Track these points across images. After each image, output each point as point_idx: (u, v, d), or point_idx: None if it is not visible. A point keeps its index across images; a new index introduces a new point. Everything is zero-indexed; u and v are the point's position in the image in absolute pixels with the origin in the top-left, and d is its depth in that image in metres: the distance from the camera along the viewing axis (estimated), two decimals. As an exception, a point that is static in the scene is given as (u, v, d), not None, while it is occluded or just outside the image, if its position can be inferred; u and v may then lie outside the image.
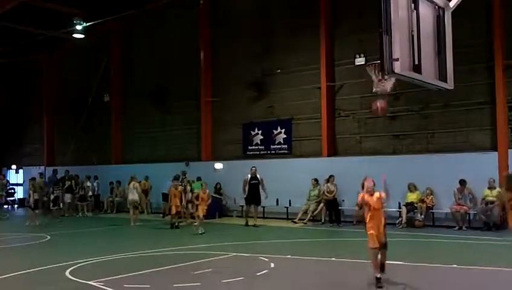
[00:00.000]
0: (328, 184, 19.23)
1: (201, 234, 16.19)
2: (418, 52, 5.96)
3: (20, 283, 9.89)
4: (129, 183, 20.72)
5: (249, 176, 19.20)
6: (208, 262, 11.53)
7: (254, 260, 11.57)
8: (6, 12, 23.77)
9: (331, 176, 19.28)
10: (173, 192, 18.62)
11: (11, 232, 18.48)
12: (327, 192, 19.14)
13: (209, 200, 17.34)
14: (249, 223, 18.94)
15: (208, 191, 17.38)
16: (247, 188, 19.13)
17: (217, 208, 22.23)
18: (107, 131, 28.88)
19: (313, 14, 20.99)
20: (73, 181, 25.70)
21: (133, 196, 20.24)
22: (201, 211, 16.61)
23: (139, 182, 21.46)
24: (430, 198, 17.59)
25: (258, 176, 19.13)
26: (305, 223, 19.25)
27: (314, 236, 16.99)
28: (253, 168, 19.30)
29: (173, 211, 18.48)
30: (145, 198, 22.71)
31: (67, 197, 25.31)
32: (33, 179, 22.95)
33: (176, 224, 18.55)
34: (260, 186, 19.12)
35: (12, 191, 32.12)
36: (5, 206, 30.22)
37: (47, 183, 27.13)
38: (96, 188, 26.80)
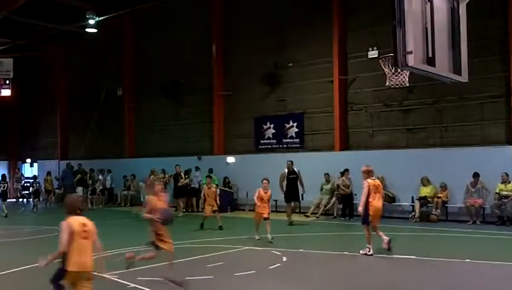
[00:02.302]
0: (343, 178, 19.03)
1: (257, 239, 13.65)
2: (432, 44, 5.90)
3: (31, 275, 9.96)
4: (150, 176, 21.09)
5: (286, 170, 17.62)
6: (221, 256, 11.56)
7: (266, 254, 11.58)
8: (20, 6, 23.90)
9: (346, 170, 19.02)
10: (206, 192, 16.94)
11: (23, 225, 18.63)
12: (343, 186, 18.94)
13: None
14: (292, 220, 17.49)
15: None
16: (284, 184, 17.58)
17: (229, 202, 22.29)
18: (120, 125, 29.03)
19: (326, 7, 20.87)
20: (87, 175, 25.97)
21: None
22: (264, 210, 13.67)
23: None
24: (445, 193, 17.47)
25: (295, 169, 17.68)
26: (317, 217, 19.23)
27: (327, 230, 16.96)
28: (289, 162, 17.75)
29: (208, 212, 16.65)
30: None
31: (79, 191, 25.61)
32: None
33: (220, 224, 16.55)
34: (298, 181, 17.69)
35: (28, 184, 32.36)
36: (21, 200, 30.56)
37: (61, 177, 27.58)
38: (109, 182, 27.03)
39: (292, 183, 17.65)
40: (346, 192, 18.85)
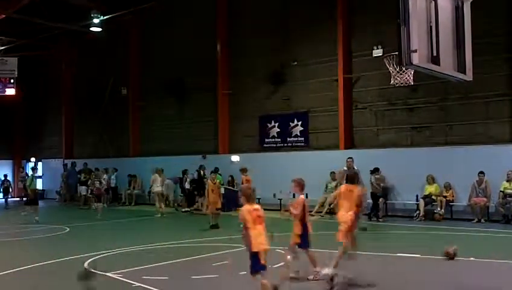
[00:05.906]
0: (377, 176, 18.15)
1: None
2: (437, 43, 5.90)
3: (37, 274, 10.02)
4: (160, 176, 21.46)
5: (345, 168, 16.24)
6: (226, 254, 11.56)
7: (271, 253, 11.55)
8: (25, 6, 23.99)
9: (376, 169, 18.14)
10: (211, 187, 16.51)
11: (31, 224, 18.68)
12: (376, 184, 18.07)
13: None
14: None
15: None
16: (343, 183, 16.27)
17: (234, 201, 22.28)
18: (125, 124, 29.07)
19: (331, 6, 20.83)
20: (92, 174, 26.04)
21: (158, 188, 21.15)
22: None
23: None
24: (450, 192, 17.43)
25: (355, 168, 15.97)
26: (322, 216, 19.19)
27: (331, 229, 16.89)
28: (350, 160, 16.46)
29: (212, 209, 16.36)
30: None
31: (82, 190, 25.66)
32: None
33: (215, 223, 16.24)
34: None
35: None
36: (24, 199, 30.63)
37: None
38: (114, 181, 27.08)
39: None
40: (378, 190, 18.04)
